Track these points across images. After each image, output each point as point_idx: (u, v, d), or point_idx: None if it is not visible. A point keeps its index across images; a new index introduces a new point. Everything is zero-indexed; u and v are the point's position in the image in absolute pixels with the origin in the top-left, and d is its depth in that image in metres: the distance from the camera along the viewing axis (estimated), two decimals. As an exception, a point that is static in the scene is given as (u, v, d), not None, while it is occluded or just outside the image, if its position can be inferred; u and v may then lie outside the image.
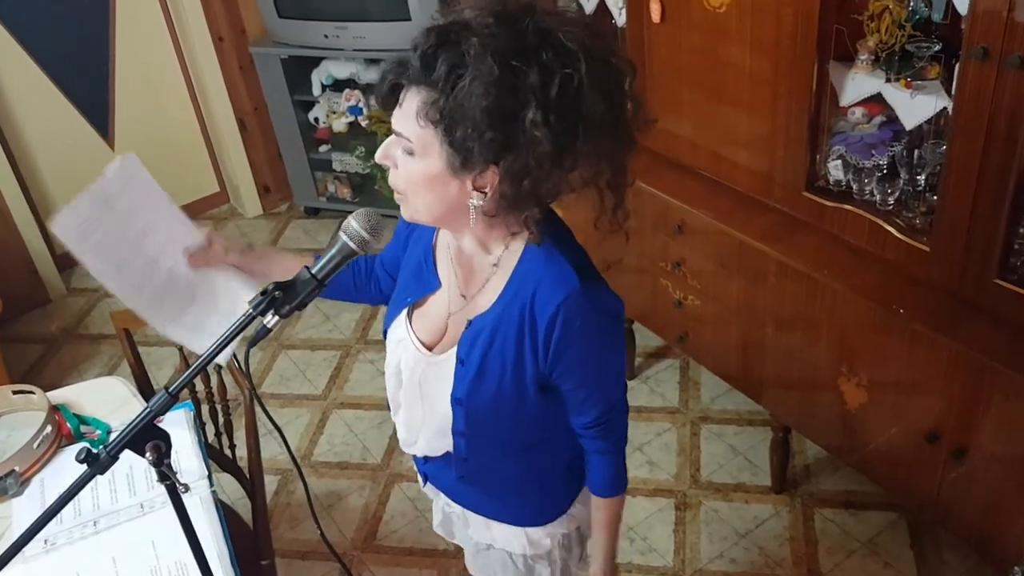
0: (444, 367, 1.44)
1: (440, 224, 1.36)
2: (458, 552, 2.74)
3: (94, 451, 1.25)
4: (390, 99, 1.26)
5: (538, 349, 1.34)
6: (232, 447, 2.29)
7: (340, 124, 4.16)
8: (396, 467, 3.09)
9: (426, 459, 1.63)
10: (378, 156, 1.29)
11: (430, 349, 1.47)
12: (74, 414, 2.05)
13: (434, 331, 1.47)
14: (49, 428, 1.96)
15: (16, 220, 3.96)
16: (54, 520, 1.77)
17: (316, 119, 4.23)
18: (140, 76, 4.23)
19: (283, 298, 1.27)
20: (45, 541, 1.76)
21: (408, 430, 1.59)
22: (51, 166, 4.14)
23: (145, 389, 2.31)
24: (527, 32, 1.15)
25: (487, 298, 1.38)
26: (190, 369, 1.28)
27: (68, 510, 1.85)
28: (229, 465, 2.29)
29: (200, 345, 1.54)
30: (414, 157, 1.24)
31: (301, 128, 4.24)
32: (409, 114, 1.21)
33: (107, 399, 2.13)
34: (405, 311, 1.52)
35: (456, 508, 1.70)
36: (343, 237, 1.29)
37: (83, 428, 2.04)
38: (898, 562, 2.57)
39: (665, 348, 3.38)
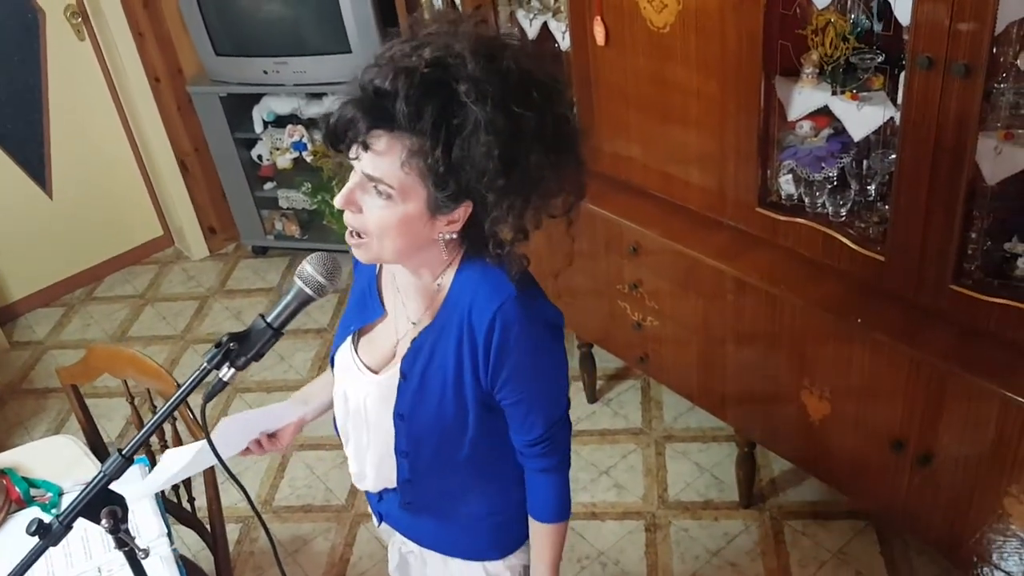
0: (388, 385, 1.43)
1: (404, 261, 1.34)
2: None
3: (46, 522, 1.20)
4: (345, 143, 1.22)
5: (478, 362, 1.34)
6: (191, 500, 2.22)
7: (284, 160, 4.10)
8: (361, 507, 3.02)
9: (380, 497, 1.61)
10: (338, 202, 1.25)
11: (376, 373, 1.46)
12: (23, 477, 1.97)
13: (382, 357, 1.47)
14: (-4, 494, 1.88)
15: (-47, 275, 3.84)
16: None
17: (259, 156, 4.16)
18: (75, 123, 4.14)
19: (239, 349, 1.24)
20: (-2, 614, 1.68)
21: (357, 461, 1.56)
22: (-12, 219, 4.02)
23: (96, 445, 2.23)
24: (510, 73, 1.16)
25: (431, 316, 1.39)
26: (144, 429, 1.23)
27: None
28: (189, 518, 2.22)
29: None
30: (389, 201, 1.21)
31: (244, 166, 4.17)
32: (391, 160, 1.18)
33: (57, 459, 2.05)
34: (350, 339, 1.50)
35: (413, 547, 1.67)
36: (298, 283, 1.26)
37: (33, 492, 1.96)
38: (869, 570, 2.58)
39: (625, 370, 3.37)
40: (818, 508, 2.77)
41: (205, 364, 1.22)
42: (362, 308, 1.49)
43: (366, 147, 1.19)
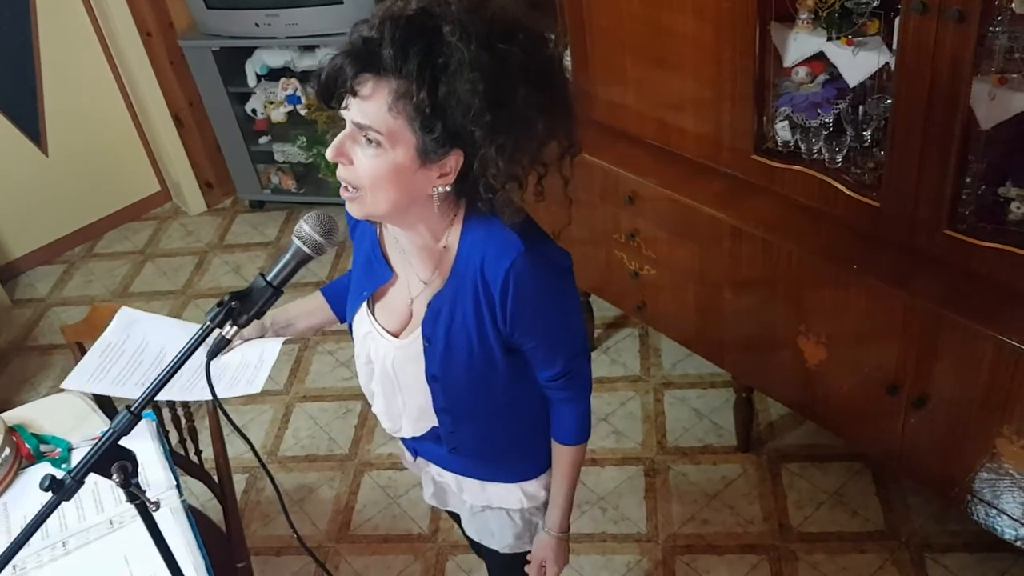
0: (413, 349, 1.46)
1: (397, 218, 1.34)
2: (432, 535, 2.77)
3: (58, 478, 1.22)
4: (335, 94, 1.23)
5: (496, 315, 1.37)
6: (198, 452, 2.26)
7: (279, 114, 4.07)
8: (364, 456, 3.07)
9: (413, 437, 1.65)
10: (330, 153, 1.26)
11: (396, 336, 1.48)
12: (32, 434, 2.00)
13: (399, 319, 1.49)
14: (7, 450, 1.91)
15: (-48, 235, 3.84)
16: (21, 545, 1.75)
17: (254, 110, 4.14)
18: (68, 79, 4.11)
19: (240, 308, 1.25)
20: (14, 567, 1.72)
21: (390, 418, 1.60)
22: (-17, 177, 4.02)
23: (103, 401, 2.26)
24: (496, 17, 1.18)
25: (442, 278, 1.40)
26: (151, 386, 1.25)
27: (35, 533, 1.82)
28: (197, 470, 2.26)
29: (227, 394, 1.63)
30: (379, 149, 1.22)
31: (239, 120, 4.15)
32: (378, 105, 1.19)
33: (65, 415, 2.07)
34: (364, 304, 1.52)
35: (448, 476, 1.72)
36: (296, 242, 1.27)
37: (43, 447, 1.98)
38: (865, 510, 2.63)
39: (623, 318, 3.40)
40: (815, 451, 2.82)
41: (208, 322, 1.24)
42: (370, 273, 1.51)
43: (354, 93, 1.20)
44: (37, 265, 4.32)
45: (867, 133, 2.16)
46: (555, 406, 1.57)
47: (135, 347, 1.70)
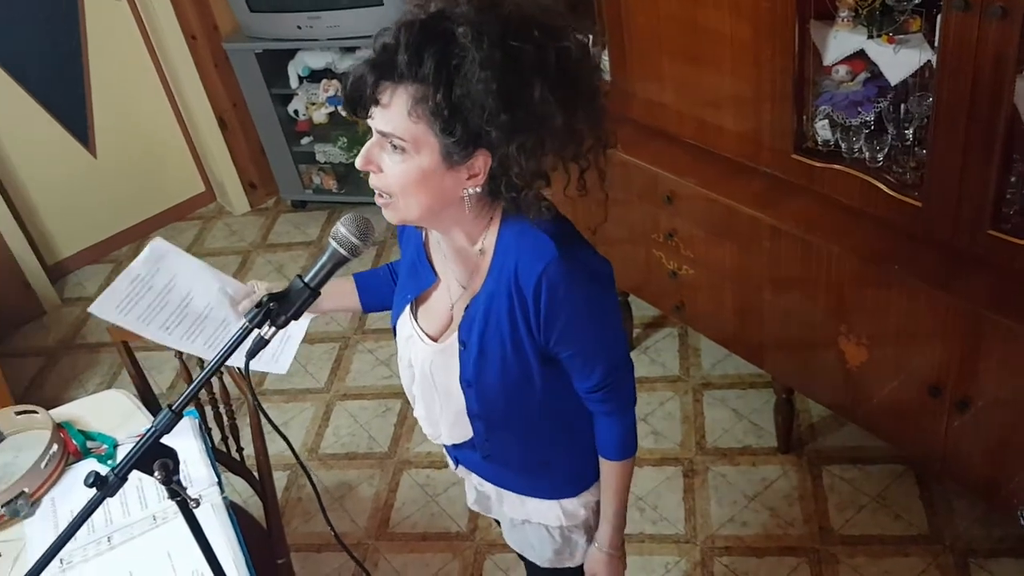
0: (449, 353, 1.45)
1: (431, 221, 1.35)
2: (471, 534, 2.78)
3: (102, 474, 1.25)
4: (360, 104, 1.24)
5: (530, 321, 1.35)
6: (240, 449, 2.30)
7: (320, 115, 4.13)
8: (403, 454, 3.10)
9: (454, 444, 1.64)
10: (359, 163, 1.28)
11: (436, 340, 1.49)
12: (79, 430, 2.05)
13: (440, 323, 1.49)
14: (55, 447, 1.96)
15: (4, 235, 3.93)
16: (67, 539, 1.80)
17: (296, 111, 4.19)
18: (116, 82, 4.19)
19: (278, 309, 1.27)
20: (61, 560, 1.77)
21: (430, 423, 1.59)
22: (35, 179, 4.11)
23: (148, 399, 2.31)
24: (511, 15, 1.16)
25: (479, 282, 1.40)
26: (192, 385, 1.27)
27: (83, 526, 1.86)
28: (238, 467, 2.30)
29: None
30: (405, 155, 1.23)
31: (281, 122, 4.20)
32: (399, 112, 1.20)
33: (111, 413, 2.12)
34: (408, 308, 1.53)
35: (488, 487, 1.71)
36: (333, 244, 1.28)
37: (89, 444, 2.03)
38: (908, 513, 2.59)
39: (662, 317, 3.38)
40: (857, 453, 2.78)
41: (246, 323, 1.26)
42: (415, 276, 1.51)
43: (376, 101, 1.21)
44: (85, 264, 4.42)
45: (909, 132, 2.13)
46: (597, 419, 1.53)
47: (163, 285, 1.69)
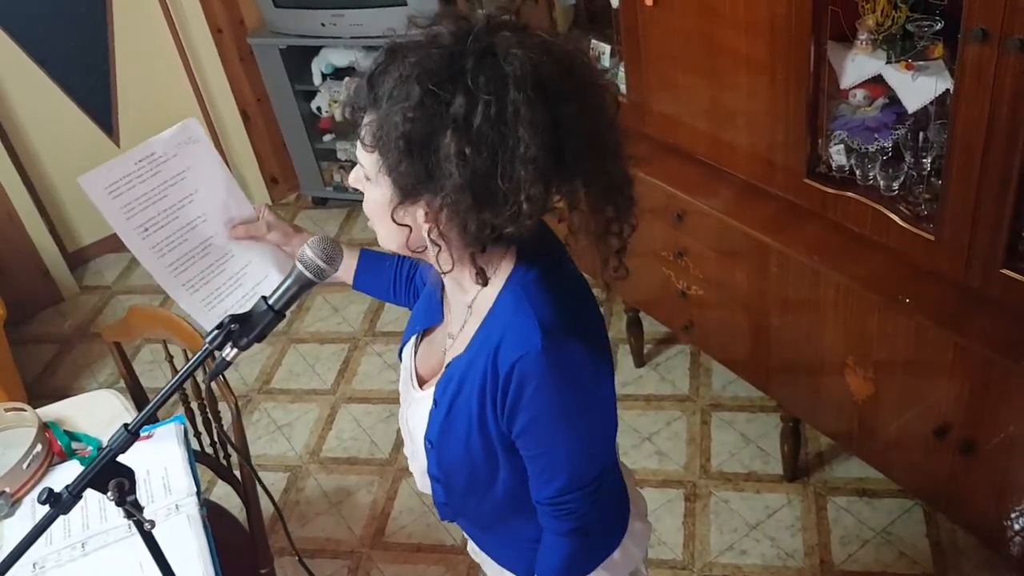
0: (422, 405, 1.36)
1: (408, 255, 1.28)
2: (465, 548, 2.73)
3: (56, 491, 1.23)
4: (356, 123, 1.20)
5: (497, 406, 1.22)
6: (227, 457, 2.27)
7: (342, 113, 4.10)
8: (403, 462, 3.06)
9: None
10: (350, 181, 1.24)
11: (423, 383, 1.41)
12: (65, 431, 2.04)
13: (434, 365, 1.40)
14: (39, 447, 1.95)
15: (25, 222, 3.96)
16: (44, 541, 1.79)
17: (319, 108, 4.18)
18: (141, 72, 4.20)
19: (240, 331, 1.24)
20: (34, 565, 1.76)
21: (412, 461, 1.49)
22: (57, 167, 4.12)
23: (140, 399, 2.30)
24: (466, 53, 1.06)
25: (463, 342, 1.29)
26: (150, 404, 1.24)
27: (58, 530, 1.85)
28: (226, 474, 2.27)
29: (207, 321, 1.52)
30: (368, 183, 1.19)
31: (304, 118, 4.19)
32: (364, 138, 1.16)
33: (99, 413, 2.11)
34: (414, 339, 1.46)
35: (474, 546, 1.63)
36: (299, 266, 1.25)
37: (74, 445, 2.02)
38: (913, 551, 2.51)
39: (675, 334, 3.32)
40: (864, 485, 2.71)
41: (207, 344, 1.23)
42: (428, 308, 1.44)
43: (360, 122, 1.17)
44: (106, 253, 4.43)
45: (927, 161, 2.06)
46: (544, 532, 1.36)
47: (170, 174, 1.51)
